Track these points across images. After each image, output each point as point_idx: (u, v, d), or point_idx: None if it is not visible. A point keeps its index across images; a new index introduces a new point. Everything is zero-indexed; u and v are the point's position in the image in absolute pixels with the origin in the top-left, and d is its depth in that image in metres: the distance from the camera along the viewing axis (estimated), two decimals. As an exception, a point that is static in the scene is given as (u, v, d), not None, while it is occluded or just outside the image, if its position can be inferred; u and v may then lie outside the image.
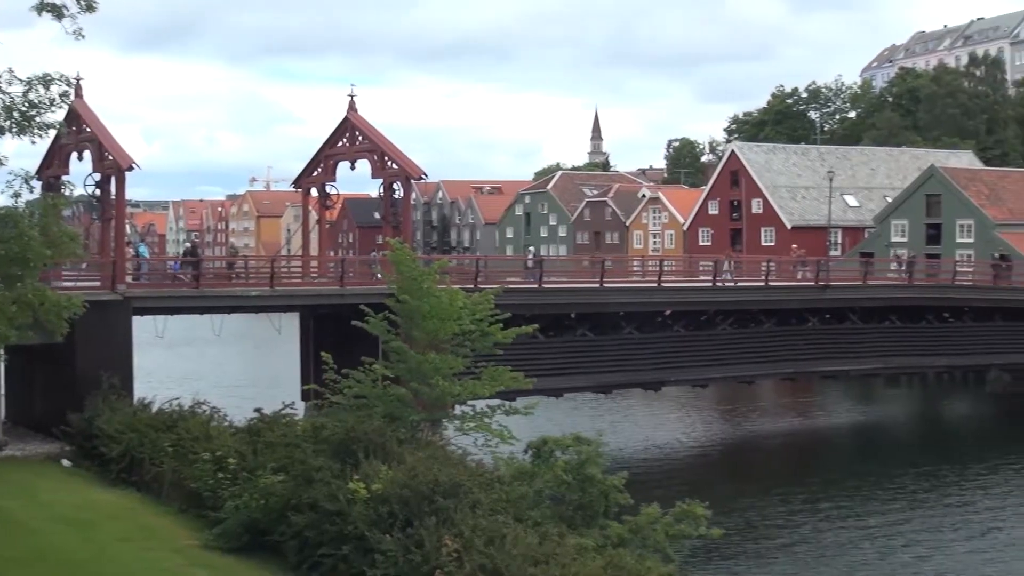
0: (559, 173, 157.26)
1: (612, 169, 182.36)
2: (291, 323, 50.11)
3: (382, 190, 46.67)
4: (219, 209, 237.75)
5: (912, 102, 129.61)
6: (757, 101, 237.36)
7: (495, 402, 30.06)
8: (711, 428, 62.59)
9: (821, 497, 44.39)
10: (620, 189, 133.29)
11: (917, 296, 59.33)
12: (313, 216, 51.68)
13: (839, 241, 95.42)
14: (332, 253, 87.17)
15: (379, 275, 39.04)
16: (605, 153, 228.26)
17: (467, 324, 29.89)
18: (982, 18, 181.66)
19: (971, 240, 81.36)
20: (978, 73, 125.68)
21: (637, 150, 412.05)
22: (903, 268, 66.03)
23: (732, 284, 55.25)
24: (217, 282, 44.61)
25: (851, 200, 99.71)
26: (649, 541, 22.64)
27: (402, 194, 46.59)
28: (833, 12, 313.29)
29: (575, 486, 23.73)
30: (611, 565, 19.25)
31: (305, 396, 37.45)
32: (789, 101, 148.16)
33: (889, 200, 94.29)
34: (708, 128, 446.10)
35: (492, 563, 17.85)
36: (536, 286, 48.07)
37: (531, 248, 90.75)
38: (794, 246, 73.30)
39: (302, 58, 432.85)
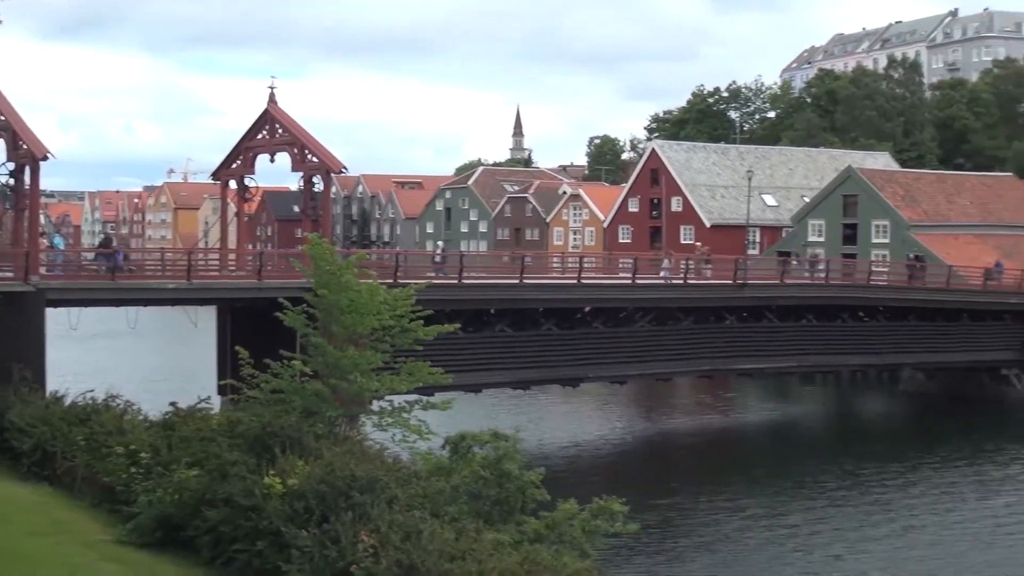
0: (480, 169, 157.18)
1: (534, 166, 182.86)
2: (208, 316, 49.62)
3: (302, 183, 46.40)
4: (136, 200, 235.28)
5: (831, 103, 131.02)
6: (678, 100, 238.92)
7: (413, 397, 29.90)
8: (629, 425, 62.97)
9: (739, 494, 44.79)
10: (541, 186, 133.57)
11: (833, 295, 60.04)
12: (232, 209, 51.21)
13: (757, 240, 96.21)
14: (251, 246, 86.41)
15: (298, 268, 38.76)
16: (527, 149, 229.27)
17: (387, 319, 29.67)
18: (900, 22, 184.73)
19: (887, 240, 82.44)
20: (896, 76, 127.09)
21: (559, 147, 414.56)
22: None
23: (668, 281, 55.59)
24: (132, 274, 44.03)
25: (769, 199, 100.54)
26: (566, 537, 22.65)
27: (322, 188, 46.30)
28: (755, 13, 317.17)
29: (492, 482, 23.67)
30: (528, 561, 19.20)
31: (222, 391, 37.05)
32: (710, 100, 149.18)
33: (807, 200, 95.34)
34: (630, 126, 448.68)
35: (408, 559, 17.72)
36: (456, 281, 47.99)
37: (440, 243, 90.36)
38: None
39: (223, 49, 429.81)
